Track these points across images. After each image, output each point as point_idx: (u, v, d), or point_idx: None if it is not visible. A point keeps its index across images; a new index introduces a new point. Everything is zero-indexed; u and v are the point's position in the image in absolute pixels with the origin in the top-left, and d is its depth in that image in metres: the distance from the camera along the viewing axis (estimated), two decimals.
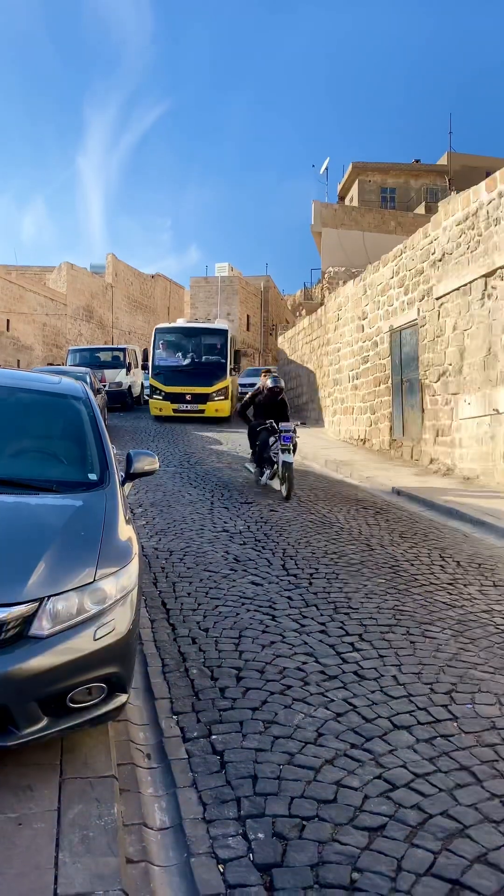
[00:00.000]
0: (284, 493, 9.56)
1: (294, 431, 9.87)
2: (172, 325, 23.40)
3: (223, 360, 21.15)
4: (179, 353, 21.23)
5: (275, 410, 10.63)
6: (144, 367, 21.48)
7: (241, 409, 11.29)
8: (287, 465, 9.48)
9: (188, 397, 20.21)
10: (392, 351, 15.22)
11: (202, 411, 20.35)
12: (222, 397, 20.57)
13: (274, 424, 10.22)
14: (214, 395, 20.47)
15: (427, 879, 2.45)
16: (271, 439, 10.22)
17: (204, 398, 20.37)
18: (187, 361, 21.08)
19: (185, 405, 20.19)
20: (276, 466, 9.99)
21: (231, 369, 21.21)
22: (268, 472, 10.33)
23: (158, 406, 20.55)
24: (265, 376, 11.10)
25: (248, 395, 11.24)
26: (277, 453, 9.83)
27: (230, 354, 21.30)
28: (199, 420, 20.38)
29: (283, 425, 9.97)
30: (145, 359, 21.69)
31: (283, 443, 9.61)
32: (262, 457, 10.44)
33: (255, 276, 49.68)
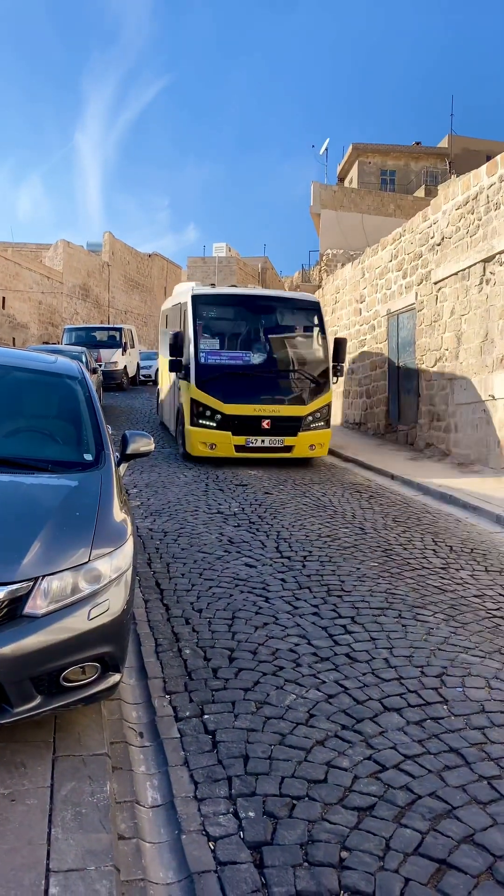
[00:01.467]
0: None
1: None
2: (224, 290, 12.83)
3: (322, 357, 11.80)
4: (240, 343, 11.72)
5: None
6: (176, 366, 11.72)
7: None
8: None
9: (265, 424, 10.99)
10: (389, 335, 15.18)
11: (289, 449, 11.18)
12: (321, 423, 11.50)
13: None
14: (310, 419, 11.34)
15: (415, 859, 2.49)
16: None
17: (293, 426, 11.17)
18: (260, 359, 11.53)
19: (259, 438, 11.01)
20: None
21: (334, 372, 11.83)
22: None
23: (208, 439, 11.00)
24: None
25: None
26: None
27: (330, 346, 11.88)
28: (278, 463, 11.38)
29: None
30: (177, 350, 11.65)
31: None
32: None
33: (253, 257, 49.44)
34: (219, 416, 10.98)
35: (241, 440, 10.96)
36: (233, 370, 11.27)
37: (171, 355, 11.71)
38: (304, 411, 11.27)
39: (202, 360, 11.24)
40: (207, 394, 11.05)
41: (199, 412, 11.10)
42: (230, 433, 10.93)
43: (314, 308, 12.17)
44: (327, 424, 11.66)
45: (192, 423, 11.13)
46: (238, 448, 11.00)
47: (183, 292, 12.96)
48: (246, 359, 11.53)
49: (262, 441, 11.07)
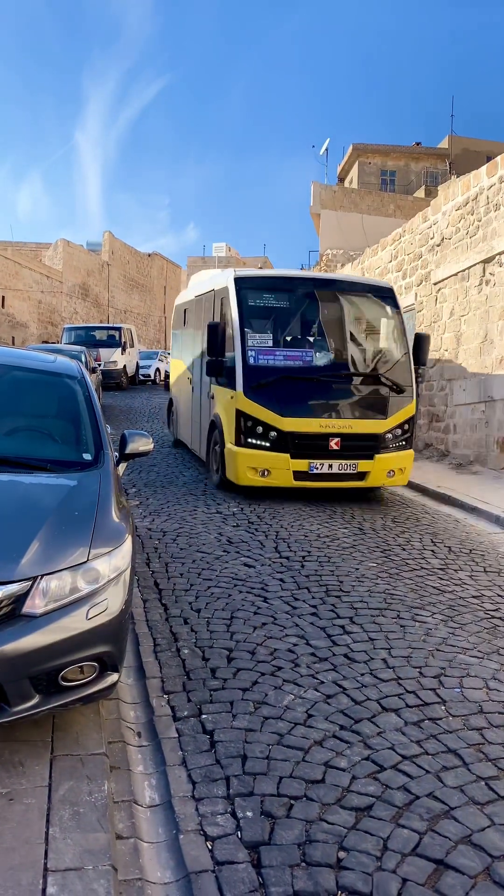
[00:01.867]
0: None
1: None
2: (275, 272, 11.17)
3: (401, 357, 9.12)
4: (298, 340, 9.15)
5: None
6: (216, 368, 8.94)
7: None
8: None
9: (333, 444, 8.41)
10: None
11: (362, 476, 8.59)
12: (403, 443, 8.90)
13: None
14: (390, 437, 8.73)
15: (412, 859, 2.49)
16: None
17: (369, 446, 8.57)
18: (324, 359, 8.88)
19: (325, 462, 8.41)
20: None
21: (417, 375, 9.52)
22: None
23: (259, 464, 8.40)
24: None
25: None
26: None
27: (410, 343, 9.29)
28: (345, 493, 8.90)
29: None
30: (216, 348, 8.84)
31: None
32: None
33: (253, 257, 49.49)
34: (274, 434, 8.32)
35: (302, 465, 8.32)
36: (290, 374, 8.55)
37: (209, 355, 8.94)
38: (383, 427, 8.60)
39: (251, 361, 8.54)
40: (259, 404, 8.36)
41: (248, 428, 8.43)
42: (288, 456, 8.30)
43: (389, 295, 9.45)
44: (409, 444, 8.99)
45: (238, 443, 8.47)
46: (298, 475, 8.36)
47: (212, 278, 10.54)
48: (307, 359, 8.79)
49: (330, 466, 8.42)
